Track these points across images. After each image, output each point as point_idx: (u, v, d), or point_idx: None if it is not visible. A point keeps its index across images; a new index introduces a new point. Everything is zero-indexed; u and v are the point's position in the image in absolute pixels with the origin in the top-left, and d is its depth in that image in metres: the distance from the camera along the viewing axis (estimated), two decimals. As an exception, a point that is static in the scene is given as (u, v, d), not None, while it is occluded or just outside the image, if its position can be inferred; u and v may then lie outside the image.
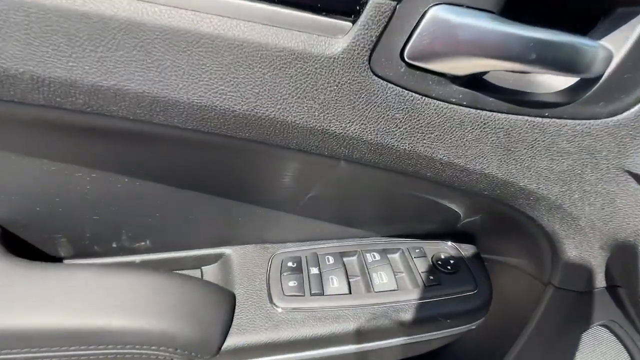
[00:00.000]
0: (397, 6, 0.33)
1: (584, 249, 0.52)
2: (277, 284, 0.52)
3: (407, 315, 0.51)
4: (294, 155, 0.44)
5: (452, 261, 0.58)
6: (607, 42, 0.38)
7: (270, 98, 0.35)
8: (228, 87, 0.34)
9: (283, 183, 0.50)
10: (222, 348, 0.45)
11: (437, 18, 0.33)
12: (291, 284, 0.51)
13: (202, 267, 0.58)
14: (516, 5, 0.36)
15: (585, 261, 0.53)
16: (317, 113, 0.37)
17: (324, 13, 0.34)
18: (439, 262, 0.58)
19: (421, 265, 0.57)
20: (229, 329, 0.46)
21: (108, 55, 0.32)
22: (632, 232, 0.47)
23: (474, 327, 0.56)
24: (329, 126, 0.37)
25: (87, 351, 0.39)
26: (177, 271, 0.58)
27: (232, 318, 0.48)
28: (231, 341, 0.46)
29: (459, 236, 0.64)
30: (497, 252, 0.64)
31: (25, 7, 0.30)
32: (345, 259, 0.58)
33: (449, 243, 0.62)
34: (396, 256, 0.60)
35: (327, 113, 0.37)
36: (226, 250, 0.58)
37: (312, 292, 0.51)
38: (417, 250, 0.59)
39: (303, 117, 0.37)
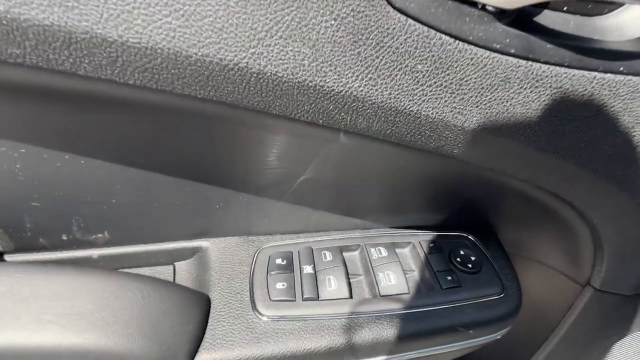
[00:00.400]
0: None
1: (636, 245, 0.42)
2: (263, 287, 0.43)
3: (420, 325, 0.42)
4: (281, 125, 0.34)
5: (473, 258, 0.48)
6: None
7: (239, 36, 0.25)
8: (176, 20, 0.24)
9: (269, 163, 0.40)
10: (190, 368, 0.36)
11: None
12: (279, 286, 0.42)
13: (175, 263, 0.49)
14: None
15: (637, 259, 0.44)
16: (307, 61, 0.26)
17: None
18: (458, 260, 0.48)
19: (436, 263, 0.47)
20: (199, 345, 0.37)
21: None
22: None
23: (499, 336, 0.47)
24: (324, 80, 0.27)
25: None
26: (145, 267, 0.48)
27: (204, 330, 0.39)
28: (202, 359, 0.37)
29: (480, 228, 0.54)
30: (524, 248, 0.54)
31: None
32: (345, 255, 0.48)
33: (469, 237, 0.52)
34: (406, 251, 0.50)
35: (321, 61, 0.26)
36: (203, 243, 0.48)
37: (305, 296, 0.41)
38: (431, 245, 0.50)
39: (287, 67, 0.26)
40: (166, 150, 0.38)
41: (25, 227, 0.41)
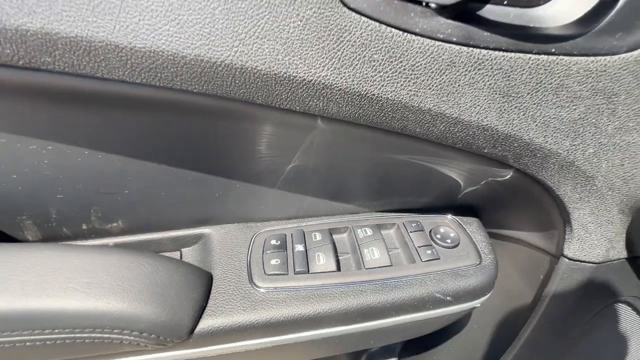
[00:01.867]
0: None
1: (601, 214, 0.46)
2: (259, 263, 0.48)
3: (402, 293, 0.46)
4: (266, 114, 0.40)
5: (452, 234, 0.53)
6: None
7: (224, 38, 0.30)
8: (173, 28, 0.29)
9: (260, 152, 0.46)
10: (195, 331, 0.41)
11: None
12: (273, 262, 0.47)
13: (182, 249, 0.54)
14: None
15: (603, 228, 0.47)
16: (280, 56, 0.32)
17: None
18: (438, 236, 0.52)
19: (418, 240, 0.52)
20: (203, 311, 0.42)
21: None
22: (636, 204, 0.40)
23: (478, 304, 0.50)
24: (296, 71, 0.32)
25: (40, 336, 0.36)
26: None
27: (207, 299, 0.44)
28: (205, 324, 0.41)
29: (461, 209, 0.58)
30: (502, 225, 0.58)
31: None
32: (335, 236, 0.53)
33: (449, 216, 0.57)
34: (391, 232, 0.55)
35: (292, 55, 0.32)
36: (206, 230, 0.53)
37: (296, 270, 0.46)
38: (413, 225, 0.54)
39: (265, 62, 0.32)
40: (170, 145, 0.44)
41: (51, 218, 0.47)
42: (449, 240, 0.52)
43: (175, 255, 0.54)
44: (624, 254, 0.50)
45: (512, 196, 0.52)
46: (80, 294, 0.37)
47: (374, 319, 0.46)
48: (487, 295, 0.51)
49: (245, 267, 0.48)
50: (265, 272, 0.46)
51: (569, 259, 0.51)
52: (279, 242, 0.50)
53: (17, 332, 0.35)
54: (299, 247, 0.49)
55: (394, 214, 0.58)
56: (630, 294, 0.56)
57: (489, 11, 0.35)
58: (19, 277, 0.36)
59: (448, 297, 0.46)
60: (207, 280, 0.45)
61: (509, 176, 0.47)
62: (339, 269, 0.48)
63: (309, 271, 0.46)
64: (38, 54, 0.30)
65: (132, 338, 0.38)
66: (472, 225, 0.56)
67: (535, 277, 0.56)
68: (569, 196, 0.45)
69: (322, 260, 0.47)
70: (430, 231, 0.53)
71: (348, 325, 0.46)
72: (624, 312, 0.60)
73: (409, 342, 0.77)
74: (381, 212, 0.58)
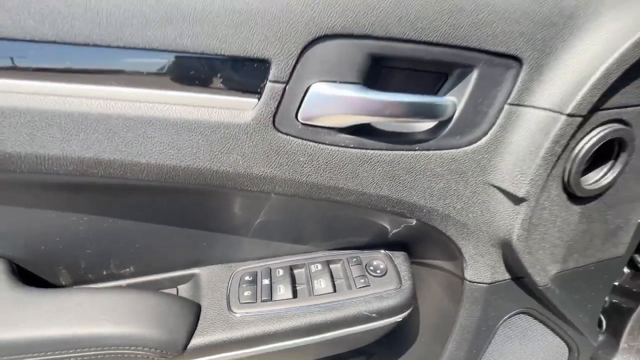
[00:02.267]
0: (287, 87, 0.47)
1: (480, 247, 0.64)
2: (235, 295, 0.64)
3: (340, 313, 0.63)
4: (236, 192, 0.58)
5: (381, 266, 0.70)
6: (451, 94, 0.52)
7: (205, 156, 0.49)
8: (172, 151, 0.48)
9: (236, 213, 0.64)
10: (188, 347, 0.57)
11: (317, 91, 0.48)
12: (246, 293, 0.64)
13: (178, 286, 0.71)
14: (377, 74, 0.50)
15: (484, 257, 0.65)
16: (240, 162, 0.50)
17: (239, 94, 0.48)
18: (371, 268, 0.70)
19: (355, 272, 0.69)
20: (194, 332, 0.59)
21: (87, 137, 0.46)
22: (507, 232, 0.59)
23: (400, 319, 0.67)
24: (252, 170, 0.51)
25: (80, 353, 0.52)
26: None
27: (197, 323, 0.60)
28: (195, 341, 0.58)
29: (393, 245, 0.76)
30: (424, 256, 0.76)
31: (31, 111, 0.44)
32: (295, 271, 0.70)
33: (382, 251, 0.74)
34: (338, 265, 0.72)
35: (249, 162, 0.51)
36: (196, 270, 0.70)
37: (263, 299, 0.63)
38: (354, 260, 0.72)
39: (231, 167, 0.50)
40: (168, 214, 0.62)
41: (81, 267, 0.64)
42: (378, 271, 0.69)
43: (173, 291, 0.71)
44: (507, 275, 0.68)
45: (424, 235, 0.70)
46: (109, 324, 0.53)
47: (321, 333, 0.63)
48: (407, 312, 0.68)
49: (225, 298, 0.65)
50: (239, 302, 0.63)
51: (469, 281, 0.68)
52: (251, 277, 0.67)
53: (66, 350, 0.52)
54: (266, 281, 0.66)
55: (342, 251, 0.75)
56: (524, 306, 0.74)
57: (378, 123, 0.55)
58: (67, 314, 0.53)
59: (374, 314, 0.63)
60: (197, 309, 0.62)
61: (414, 223, 0.65)
62: (295, 296, 0.65)
63: (272, 299, 0.63)
64: (89, 169, 0.48)
65: (143, 352, 0.54)
66: (399, 258, 0.74)
67: (455, 296, 0.73)
68: (455, 236, 0.63)
69: (282, 291, 0.64)
70: (366, 264, 0.71)
71: (302, 338, 0.62)
72: (525, 320, 0.77)
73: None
74: (333, 250, 0.75)
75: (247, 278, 0.67)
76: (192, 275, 0.70)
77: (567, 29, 0.49)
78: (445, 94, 0.53)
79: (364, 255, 0.73)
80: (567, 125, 0.49)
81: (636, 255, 1.02)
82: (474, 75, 0.51)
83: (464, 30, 0.47)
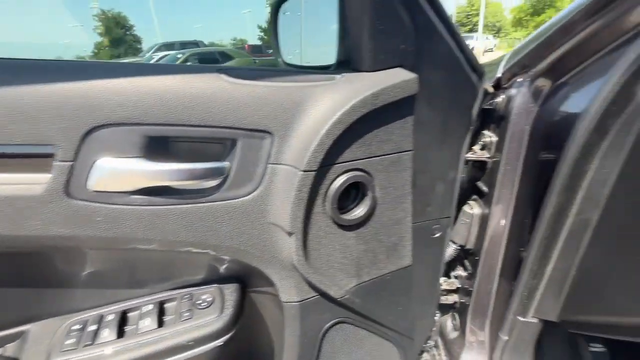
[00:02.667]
0: (74, 164, 0.59)
1: (281, 273, 0.79)
2: (58, 345, 0.70)
3: (161, 345, 0.72)
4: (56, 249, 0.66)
5: (209, 299, 0.82)
6: (228, 159, 0.69)
7: (5, 224, 0.58)
8: None
9: (60, 268, 0.71)
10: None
11: (102, 165, 0.60)
12: (68, 342, 0.70)
13: (7, 345, 0.74)
14: (163, 146, 0.64)
15: (287, 280, 0.81)
16: (40, 226, 0.60)
17: (32, 172, 0.59)
18: (199, 301, 0.81)
19: (185, 307, 0.80)
20: None
21: None
22: (290, 258, 0.75)
23: (221, 343, 0.79)
24: (52, 232, 0.61)
25: None
26: None
27: None
28: None
29: (229, 279, 0.89)
30: (256, 285, 0.90)
31: None
32: (129, 314, 0.78)
33: (215, 285, 0.87)
34: (174, 303, 0.82)
35: (48, 225, 0.60)
36: (27, 327, 0.74)
37: (85, 344, 0.70)
38: (186, 296, 0.83)
39: (34, 230, 0.59)
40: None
41: None
42: (205, 304, 0.81)
43: (0, 351, 0.73)
44: (313, 293, 0.84)
45: (249, 268, 0.84)
46: None
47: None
48: (227, 337, 0.80)
49: (46, 351, 0.70)
50: (60, 351, 0.69)
51: (284, 302, 0.83)
52: (80, 326, 0.74)
53: None
54: (92, 327, 0.73)
55: (179, 290, 0.85)
56: (339, 316, 0.90)
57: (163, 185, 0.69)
58: None
59: (191, 342, 0.74)
60: None
61: (228, 259, 0.79)
62: (121, 337, 0.72)
63: (93, 343, 0.70)
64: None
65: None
66: (229, 289, 0.86)
67: (281, 316, 0.87)
68: (260, 266, 0.78)
69: (107, 334, 0.72)
70: (195, 299, 0.82)
71: (123, 375, 0.70)
72: (348, 329, 0.94)
73: None
74: (172, 289, 0.85)
75: (75, 327, 0.73)
76: (21, 333, 0.74)
77: (298, 111, 0.69)
78: (224, 159, 0.70)
79: (197, 292, 0.84)
80: (305, 177, 0.68)
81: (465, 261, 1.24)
82: (239, 145, 0.68)
83: (219, 115, 0.64)
